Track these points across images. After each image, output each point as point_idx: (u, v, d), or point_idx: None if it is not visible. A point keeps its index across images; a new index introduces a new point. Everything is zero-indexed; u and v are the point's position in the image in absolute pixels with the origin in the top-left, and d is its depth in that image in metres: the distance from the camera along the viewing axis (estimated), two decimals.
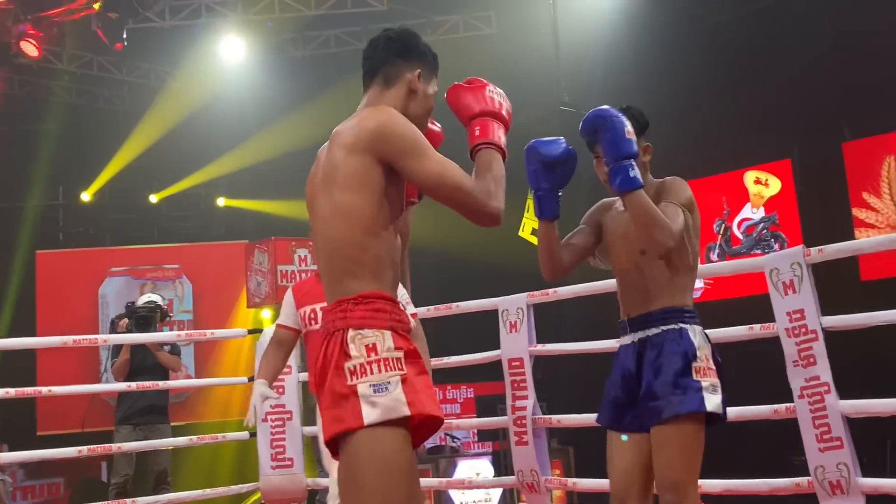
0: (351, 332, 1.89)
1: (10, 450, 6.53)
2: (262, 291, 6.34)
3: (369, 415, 1.84)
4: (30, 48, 8.67)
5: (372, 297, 1.93)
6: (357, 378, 1.85)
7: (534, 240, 11.50)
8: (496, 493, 8.81)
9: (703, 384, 2.62)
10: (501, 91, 2.23)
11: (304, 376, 5.54)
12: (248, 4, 9.53)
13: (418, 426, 1.92)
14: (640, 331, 2.73)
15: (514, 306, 4.77)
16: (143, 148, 10.23)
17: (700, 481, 4.04)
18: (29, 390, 4.59)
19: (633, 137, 2.62)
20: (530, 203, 10.49)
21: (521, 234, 10.48)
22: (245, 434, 5.55)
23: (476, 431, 9.78)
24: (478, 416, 9.96)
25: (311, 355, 3.01)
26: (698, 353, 2.65)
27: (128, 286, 9.78)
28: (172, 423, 6.19)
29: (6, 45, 8.59)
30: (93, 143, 10.37)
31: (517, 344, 4.75)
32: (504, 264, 8.57)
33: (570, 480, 4.70)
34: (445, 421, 6.28)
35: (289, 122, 9.85)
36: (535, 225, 11.49)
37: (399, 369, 1.88)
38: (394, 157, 1.95)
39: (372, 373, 1.86)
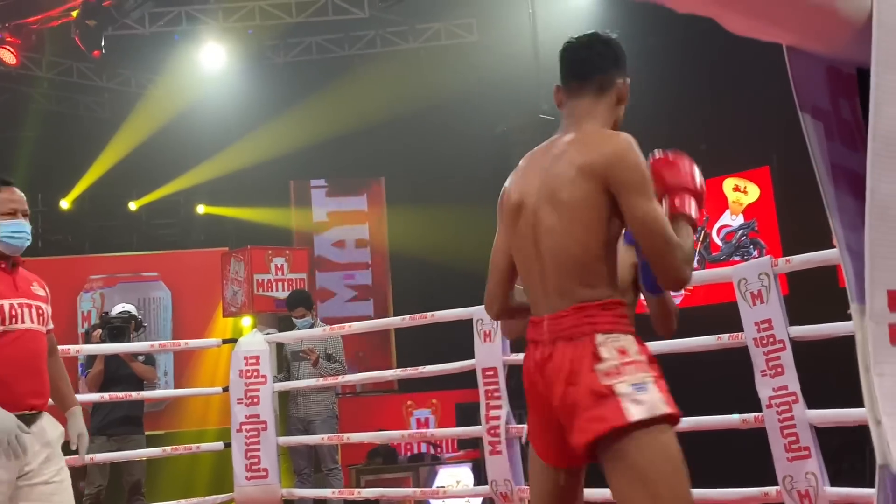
0: (600, 337, 1.92)
1: None
2: (238, 301, 6.32)
3: (635, 412, 1.84)
4: (8, 55, 8.64)
5: (614, 303, 1.98)
6: (612, 379, 1.87)
7: None
8: (476, 502, 8.81)
9: None
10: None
11: (279, 386, 5.53)
12: (229, 12, 9.52)
13: None
14: None
15: (487, 316, 4.76)
16: (123, 155, 10.19)
17: None
18: None
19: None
20: None
21: None
22: (220, 444, 5.53)
23: (456, 439, 9.77)
24: (458, 424, 9.95)
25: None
26: None
27: (108, 295, 9.73)
28: (150, 433, 6.16)
29: None
30: (72, 150, 10.33)
31: (491, 353, 4.75)
32: (484, 272, 8.56)
33: None
34: (421, 430, 6.25)
35: (269, 130, 9.85)
36: None
37: (650, 371, 1.91)
38: (620, 188, 1.95)
39: (628, 373, 1.88)
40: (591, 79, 2.13)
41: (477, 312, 4.83)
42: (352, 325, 5.43)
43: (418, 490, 6.10)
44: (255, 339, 5.60)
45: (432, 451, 9.65)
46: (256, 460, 5.38)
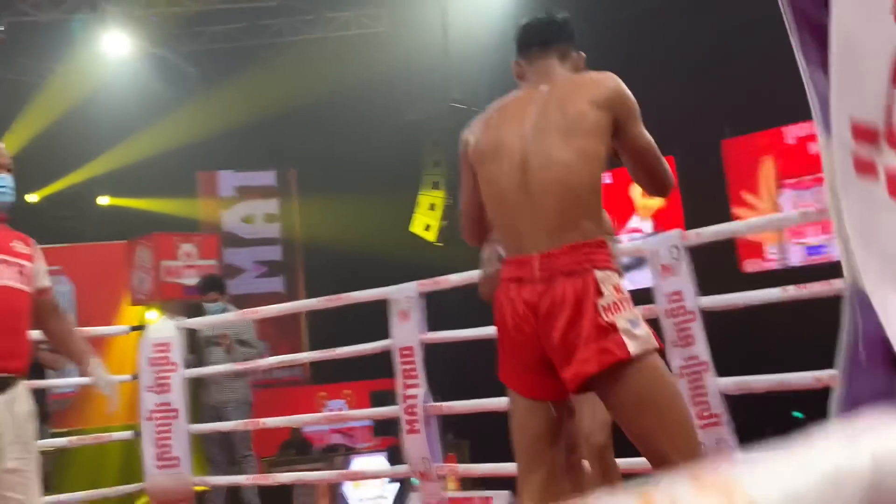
0: (599, 273, 2.03)
1: None
2: (145, 288, 6.16)
3: (632, 346, 1.99)
4: None
5: (604, 242, 2.09)
6: (612, 315, 1.99)
7: (425, 235, 11.60)
8: (392, 490, 8.79)
9: None
10: None
11: (190, 372, 5.42)
12: None
13: None
14: None
15: (403, 295, 4.77)
16: (22, 145, 9.81)
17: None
18: None
19: None
20: (421, 199, 10.54)
21: (411, 229, 10.51)
22: (129, 433, 5.39)
23: (372, 428, 9.74)
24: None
25: None
26: None
27: None
28: (57, 430, 5.96)
29: None
30: None
31: (408, 333, 4.74)
32: (396, 259, 8.57)
33: (462, 466, 4.73)
34: (336, 412, 6.17)
35: (175, 119, 9.64)
36: (427, 220, 11.59)
37: (635, 309, 2.07)
38: (625, 119, 2.13)
39: (624, 309, 2.02)
40: (552, 46, 2.32)
41: (393, 293, 4.81)
42: (265, 308, 5.35)
43: (335, 472, 6.06)
44: (164, 326, 5.48)
45: (346, 442, 9.61)
46: (167, 449, 5.26)
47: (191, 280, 6.08)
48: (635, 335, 2.01)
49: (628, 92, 2.18)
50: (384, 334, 4.83)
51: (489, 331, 4.68)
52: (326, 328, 8.80)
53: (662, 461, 1.98)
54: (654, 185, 2.21)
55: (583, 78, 2.24)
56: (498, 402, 4.61)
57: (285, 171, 10.90)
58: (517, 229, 2.12)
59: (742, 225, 4.47)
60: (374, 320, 5.16)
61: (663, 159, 2.21)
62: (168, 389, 5.30)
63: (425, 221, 9.98)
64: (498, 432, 5.00)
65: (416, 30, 9.64)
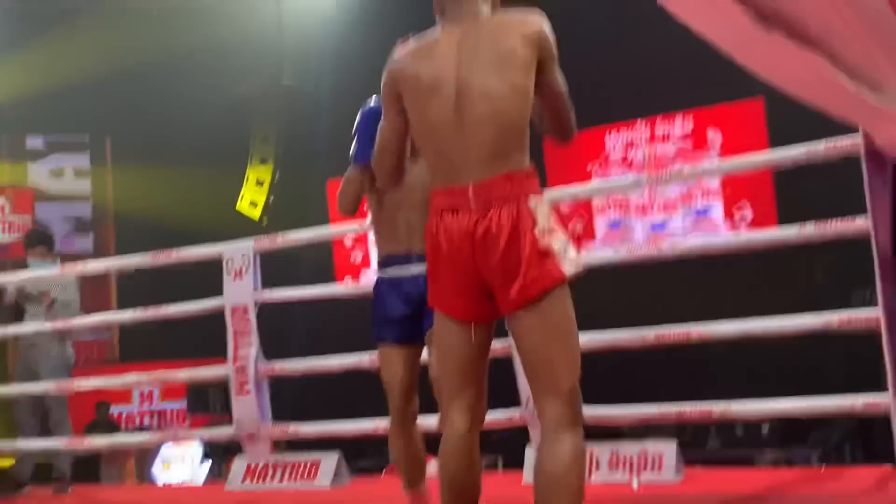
0: (532, 200, 2.13)
1: None
2: None
3: (568, 268, 2.10)
4: None
5: (533, 172, 2.19)
6: (547, 239, 2.09)
7: (250, 211, 11.27)
8: (203, 472, 8.57)
9: None
10: None
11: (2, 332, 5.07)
12: None
13: None
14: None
15: (238, 253, 4.68)
16: None
17: (422, 419, 4.19)
18: None
19: None
20: (249, 174, 10.33)
21: (238, 207, 10.27)
22: None
23: (184, 410, 9.45)
24: (187, 396, 9.61)
25: None
26: None
27: None
28: None
29: None
30: None
31: (241, 291, 4.65)
32: (218, 237, 8.34)
33: (292, 426, 4.66)
34: (157, 377, 5.88)
35: None
36: (254, 197, 11.30)
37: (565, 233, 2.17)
38: (547, 60, 2.21)
39: (557, 234, 2.11)
40: None
41: (227, 251, 4.71)
42: (88, 263, 5.09)
43: (156, 434, 5.85)
44: None
45: (157, 424, 9.28)
46: None
47: (2, 237, 5.64)
48: (569, 258, 2.12)
49: (552, 34, 2.24)
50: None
51: (326, 290, 4.70)
52: (137, 295, 8.34)
53: (551, 389, 2.06)
54: (561, 130, 2.30)
55: (512, 15, 2.28)
56: (330, 363, 4.60)
57: (101, 137, 10.36)
58: (450, 160, 2.19)
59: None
60: (195, 287, 5.02)
61: (572, 106, 2.31)
62: None
63: (251, 197, 9.79)
64: (322, 413, 4.95)
65: (248, 5, 9.48)
